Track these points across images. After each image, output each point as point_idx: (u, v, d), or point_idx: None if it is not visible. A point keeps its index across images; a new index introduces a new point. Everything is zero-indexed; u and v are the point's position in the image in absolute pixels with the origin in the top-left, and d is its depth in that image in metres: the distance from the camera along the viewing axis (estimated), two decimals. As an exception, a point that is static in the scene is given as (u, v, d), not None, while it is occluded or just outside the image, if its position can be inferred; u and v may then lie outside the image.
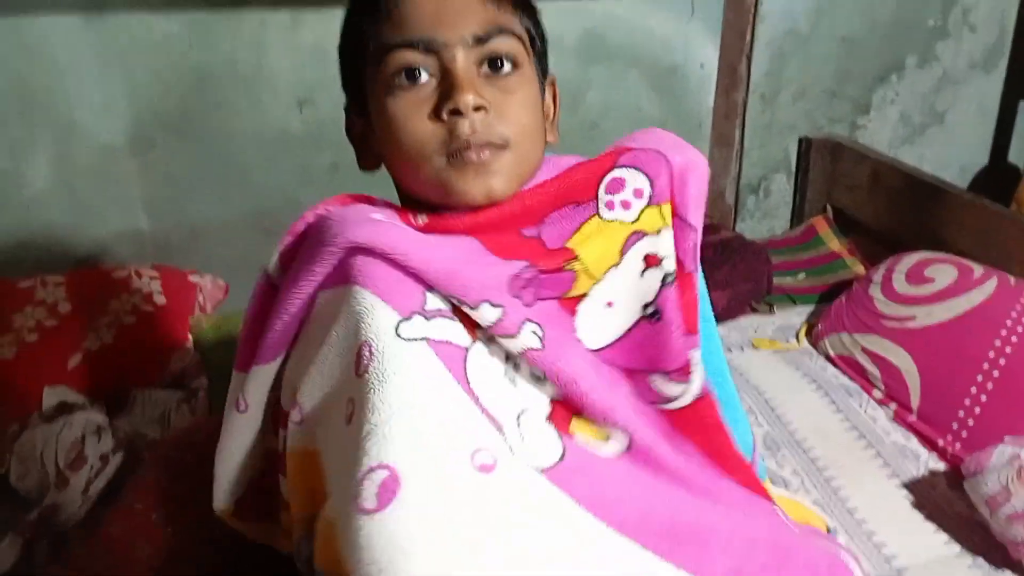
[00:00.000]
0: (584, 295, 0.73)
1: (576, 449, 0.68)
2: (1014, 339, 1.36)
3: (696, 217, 0.76)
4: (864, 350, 1.49)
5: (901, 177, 1.89)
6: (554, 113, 0.82)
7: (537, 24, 0.78)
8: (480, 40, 0.70)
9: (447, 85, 0.69)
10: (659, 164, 0.75)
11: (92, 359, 1.42)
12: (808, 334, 1.65)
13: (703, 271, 0.80)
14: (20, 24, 1.53)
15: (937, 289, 1.50)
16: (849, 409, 1.41)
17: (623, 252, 0.73)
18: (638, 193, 0.74)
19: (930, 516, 1.20)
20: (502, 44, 0.71)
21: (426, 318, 0.66)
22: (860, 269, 1.90)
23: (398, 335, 0.65)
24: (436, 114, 0.69)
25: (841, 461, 1.29)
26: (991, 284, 1.47)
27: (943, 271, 1.53)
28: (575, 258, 0.72)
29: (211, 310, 1.62)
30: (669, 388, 0.73)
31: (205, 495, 1.10)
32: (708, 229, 1.80)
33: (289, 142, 1.76)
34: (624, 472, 0.69)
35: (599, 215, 0.74)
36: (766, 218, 2.22)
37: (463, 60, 0.69)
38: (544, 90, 0.79)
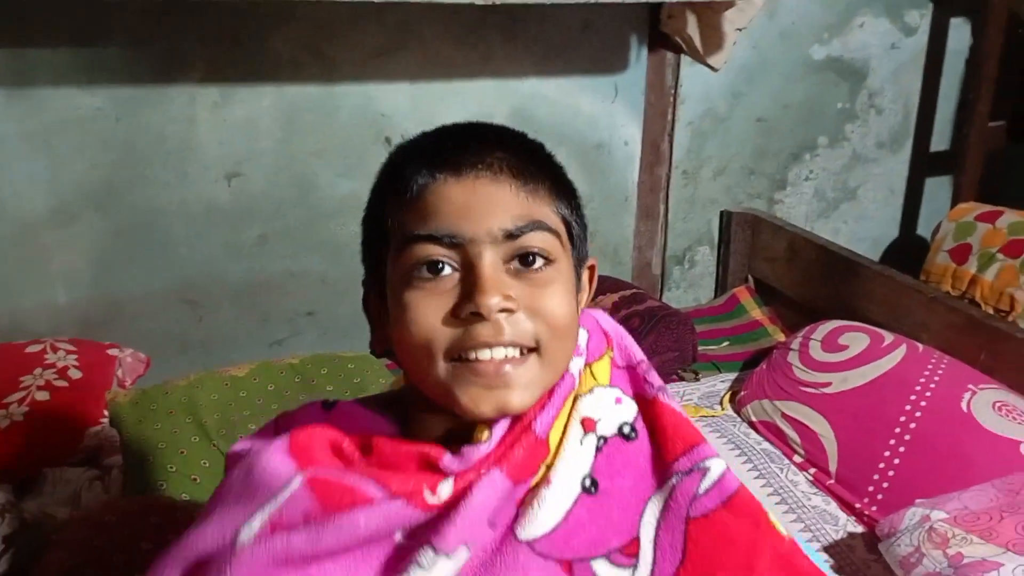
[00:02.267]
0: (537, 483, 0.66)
1: None
2: (923, 403, 1.41)
3: (636, 351, 0.73)
4: (784, 416, 1.53)
5: (816, 249, 1.97)
6: (588, 295, 0.74)
7: (575, 208, 0.70)
8: (511, 236, 0.63)
9: (470, 283, 0.62)
10: (589, 320, 0.74)
11: (1, 437, 1.37)
12: (732, 400, 1.68)
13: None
14: (-59, 97, 1.52)
15: (850, 356, 1.55)
16: (771, 474, 1.44)
17: (567, 423, 0.67)
18: (579, 353, 0.70)
19: (845, 580, 1.22)
20: (535, 240, 0.64)
21: None
22: (781, 336, 1.96)
23: None
24: (454, 314, 0.62)
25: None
26: (901, 351, 1.53)
27: (856, 339, 1.59)
28: (547, 455, 0.66)
29: (131, 384, 1.58)
30: (615, 575, 0.64)
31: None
32: (635, 298, 1.85)
33: (216, 215, 1.76)
34: None
35: (576, 390, 0.69)
36: (691, 288, 2.28)
37: (490, 256, 0.62)
38: (580, 277, 0.71)
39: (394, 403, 0.73)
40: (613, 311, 1.81)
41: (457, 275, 0.63)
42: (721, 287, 2.24)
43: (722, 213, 2.22)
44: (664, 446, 0.67)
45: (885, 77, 2.29)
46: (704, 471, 0.65)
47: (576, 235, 0.70)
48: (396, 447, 0.65)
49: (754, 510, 0.65)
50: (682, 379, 1.79)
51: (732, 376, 1.79)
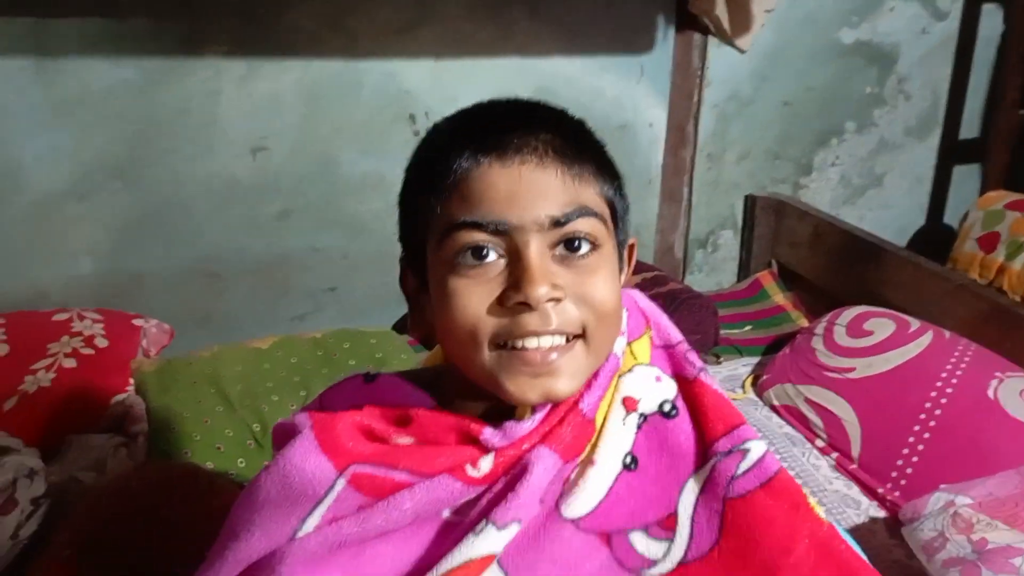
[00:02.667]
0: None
1: None
2: (949, 390, 1.40)
3: (673, 331, 0.73)
4: (807, 400, 1.52)
5: (841, 235, 1.95)
6: (627, 273, 0.74)
7: (619, 188, 0.69)
8: (557, 223, 0.62)
9: (518, 272, 0.61)
10: (627, 300, 0.73)
11: (29, 402, 1.38)
12: (754, 384, 1.68)
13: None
14: (-33, 68, 1.53)
15: (876, 341, 1.54)
16: (792, 458, 1.43)
17: (611, 402, 0.68)
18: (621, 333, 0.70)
19: (871, 564, 1.20)
20: (582, 225, 0.63)
21: None
22: (803, 322, 1.94)
23: None
24: (500, 302, 0.61)
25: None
26: (926, 338, 1.51)
27: (882, 324, 1.58)
28: (594, 435, 0.66)
29: (155, 354, 1.59)
30: (650, 548, 0.64)
31: (137, 543, 1.07)
32: (657, 281, 1.84)
33: (239, 190, 1.77)
34: None
35: (619, 367, 0.69)
36: (714, 272, 2.27)
37: (536, 244, 0.61)
38: (623, 258, 0.70)
39: (434, 381, 0.72)
40: (635, 293, 1.80)
41: (503, 262, 0.62)
42: (744, 272, 2.22)
43: (746, 197, 2.20)
44: (705, 426, 0.67)
45: (914, 62, 2.26)
46: (744, 452, 0.65)
47: (620, 215, 0.69)
48: (436, 419, 0.66)
49: (793, 493, 0.64)
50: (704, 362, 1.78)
51: (754, 360, 1.78)
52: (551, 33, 1.90)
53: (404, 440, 0.66)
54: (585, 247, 0.63)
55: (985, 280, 1.96)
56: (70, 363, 1.44)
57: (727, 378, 1.71)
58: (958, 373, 1.42)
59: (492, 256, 0.62)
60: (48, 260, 1.68)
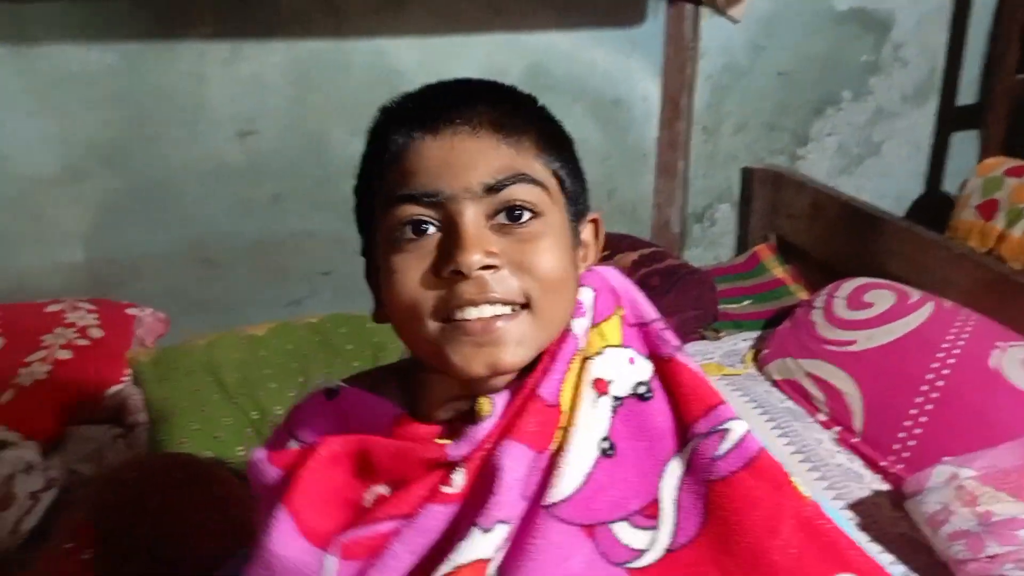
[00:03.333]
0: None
1: None
2: (951, 361, 1.39)
3: (648, 308, 0.71)
4: (808, 374, 1.52)
5: (840, 206, 1.93)
6: (594, 251, 0.73)
7: (569, 161, 0.69)
8: (491, 189, 0.61)
9: (450, 242, 0.61)
10: (597, 279, 0.72)
11: (25, 395, 1.37)
12: (754, 359, 1.67)
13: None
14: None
15: (876, 313, 1.53)
16: (794, 432, 1.43)
17: (578, 385, 0.66)
18: (582, 313, 0.69)
19: (875, 537, 1.21)
20: (518, 192, 0.62)
21: None
22: (803, 295, 1.93)
23: None
24: (436, 273, 0.61)
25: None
26: (927, 308, 1.51)
27: (882, 296, 1.57)
28: (559, 422, 0.64)
29: (151, 343, 1.58)
30: (635, 538, 0.62)
31: (137, 534, 1.07)
32: (655, 257, 1.83)
33: (228, 173, 1.74)
34: None
35: (583, 351, 0.67)
36: (712, 246, 2.25)
37: (471, 213, 0.61)
38: (578, 232, 0.70)
39: (401, 373, 0.72)
40: (632, 270, 1.79)
41: (440, 235, 0.62)
42: (742, 245, 2.21)
43: (743, 170, 2.18)
44: (682, 407, 0.65)
45: (910, 29, 2.23)
46: (724, 432, 0.63)
47: (570, 189, 0.68)
48: (397, 458, 0.64)
49: (776, 473, 0.63)
50: (703, 338, 1.77)
51: (754, 335, 1.77)
52: (542, 8, 1.86)
53: (379, 491, 0.65)
54: (526, 215, 0.63)
55: (984, 248, 1.94)
56: (65, 354, 1.43)
57: (727, 353, 1.71)
58: (959, 344, 1.42)
59: (431, 230, 0.62)
60: (37, 248, 1.67)
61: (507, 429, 0.62)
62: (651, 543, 0.62)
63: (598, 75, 1.97)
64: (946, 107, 2.34)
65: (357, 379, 0.73)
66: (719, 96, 2.11)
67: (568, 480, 0.62)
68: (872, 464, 1.36)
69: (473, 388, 0.64)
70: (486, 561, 0.60)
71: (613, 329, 0.69)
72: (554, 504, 0.62)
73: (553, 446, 0.64)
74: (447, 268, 0.60)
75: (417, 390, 0.69)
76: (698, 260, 2.15)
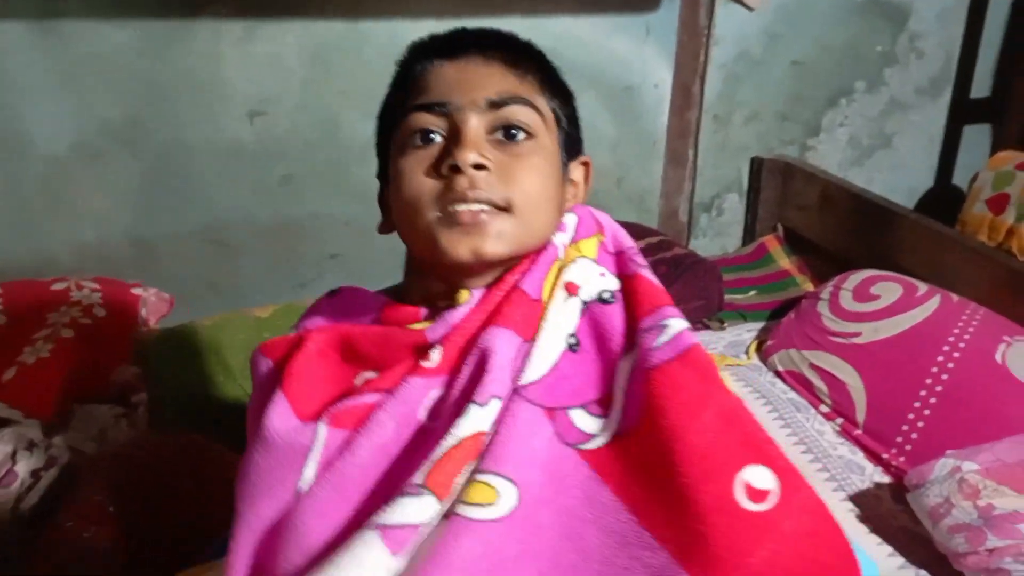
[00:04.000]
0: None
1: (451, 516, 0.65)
2: (956, 355, 1.38)
3: (627, 239, 0.79)
4: (812, 366, 1.51)
5: (850, 198, 1.92)
6: (583, 191, 0.82)
7: (567, 107, 0.78)
8: (494, 105, 0.71)
9: (452, 142, 0.70)
10: (583, 210, 0.80)
11: (28, 373, 1.38)
12: (758, 350, 1.66)
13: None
14: (-35, 32, 1.50)
15: (882, 306, 1.52)
16: (796, 424, 1.42)
17: (554, 287, 0.74)
18: (563, 230, 0.78)
19: (875, 529, 1.21)
20: (518, 112, 0.71)
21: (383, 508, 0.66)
22: (809, 287, 1.92)
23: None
24: (437, 170, 0.69)
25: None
26: (934, 302, 1.49)
27: (888, 288, 1.56)
28: (544, 313, 0.72)
29: (155, 323, 1.58)
30: (587, 423, 0.69)
31: (141, 513, 1.08)
32: (661, 246, 1.82)
33: (242, 154, 1.74)
34: (500, 538, 0.64)
35: (559, 257, 0.75)
36: (719, 236, 2.24)
37: (474, 122, 0.70)
38: (567, 168, 0.78)
39: (396, 289, 0.82)
40: (639, 258, 1.78)
41: (445, 142, 0.71)
42: (750, 236, 2.20)
43: (753, 160, 2.17)
44: (635, 310, 0.72)
45: (929, 20, 2.20)
46: (663, 328, 0.69)
47: (565, 127, 0.77)
48: (379, 344, 0.72)
49: (705, 364, 0.68)
50: (708, 327, 1.77)
51: (759, 325, 1.77)
52: (558, -9, 1.85)
53: (367, 375, 0.73)
54: (521, 135, 0.71)
55: (994, 242, 1.93)
56: (68, 333, 1.43)
57: (731, 343, 1.70)
58: (966, 337, 1.41)
59: (437, 139, 0.71)
60: (54, 226, 1.67)
61: (492, 317, 0.70)
62: (601, 429, 0.69)
63: (612, 61, 1.96)
64: (959, 100, 2.32)
65: (355, 287, 0.82)
66: (732, 85, 2.09)
67: (538, 365, 0.70)
68: (874, 456, 1.35)
69: (456, 281, 0.73)
70: (483, 433, 0.66)
71: (590, 246, 0.77)
72: (524, 385, 0.69)
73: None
74: (446, 163, 0.69)
75: (406, 288, 0.79)
76: (705, 250, 2.14)
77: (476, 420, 0.66)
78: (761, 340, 1.69)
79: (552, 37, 1.87)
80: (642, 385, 0.68)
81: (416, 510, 0.63)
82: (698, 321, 1.76)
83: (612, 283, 0.74)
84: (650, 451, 0.66)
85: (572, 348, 0.71)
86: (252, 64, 1.69)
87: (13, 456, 1.14)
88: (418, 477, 0.65)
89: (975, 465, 1.14)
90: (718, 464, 0.64)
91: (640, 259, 0.76)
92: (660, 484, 0.65)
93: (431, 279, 0.74)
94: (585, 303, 0.73)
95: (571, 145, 0.78)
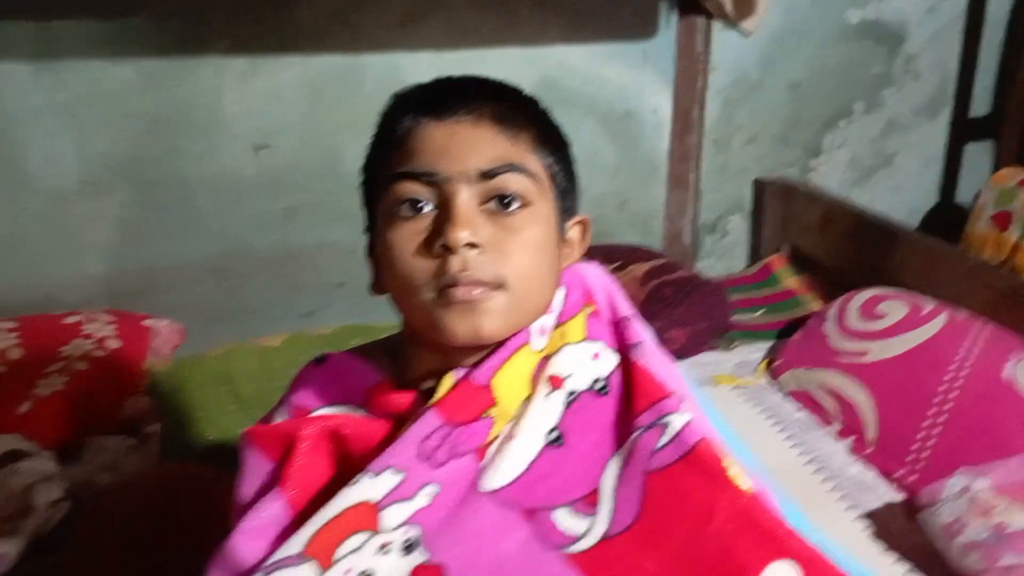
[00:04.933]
0: (496, 436, 0.69)
1: None
2: (964, 372, 1.39)
3: (622, 305, 0.76)
4: (821, 385, 1.51)
5: (852, 217, 1.93)
6: (579, 250, 0.78)
7: (562, 160, 0.74)
8: (486, 175, 0.67)
9: (443, 219, 0.66)
10: (572, 276, 0.76)
11: (42, 406, 1.39)
12: (767, 369, 1.66)
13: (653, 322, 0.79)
14: (-32, 72, 1.53)
15: (889, 324, 1.53)
16: (807, 443, 1.42)
17: (534, 382, 0.71)
18: (551, 316, 0.74)
19: (890, 548, 1.20)
20: (510, 181, 0.67)
21: (266, 574, 0.64)
22: (815, 305, 1.92)
23: None
24: (428, 248, 0.66)
25: (800, 495, 1.29)
26: (941, 319, 1.50)
27: (895, 307, 1.57)
28: (493, 404, 0.69)
29: (167, 354, 1.59)
30: (573, 524, 0.66)
31: (152, 543, 1.08)
32: (667, 268, 1.83)
33: (244, 187, 1.76)
34: None
35: (529, 344, 0.71)
36: (723, 258, 2.26)
37: (465, 195, 0.66)
38: (565, 228, 0.75)
39: (391, 346, 0.77)
40: (645, 280, 1.79)
41: (435, 212, 0.67)
42: (754, 257, 2.21)
43: (755, 182, 2.18)
44: (631, 402, 0.69)
45: (923, 42, 2.23)
46: (664, 426, 0.67)
47: (561, 185, 0.73)
48: (368, 437, 0.70)
49: (711, 465, 0.66)
50: (716, 348, 1.77)
51: (767, 345, 1.77)
52: (555, 21, 1.88)
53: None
54: (515, 204, 0.68)
55: (999, 259, 1.94)
56: (82, 365, 1.45)
57: (740, 364, 1.70)
58: (973, 354, 1.41)
59: (427, 208, 0.67)
60: (59, 261, 1.68)
61: (437, 402, 0.68)
62: (588, 530, 0.66)
63: (610, 88, 1.98)
64: (959, 119, 2.34)
65: (350, 350, 0.79)
66: (730, 109, 2.11)
67: (509, 467, 0.67)
68: (886, 475, 1.35)
69: (452, 356, 0.70)
70: (373, 504, 0.64)
71: (576, 327, 0.74)
72: (494, 490, 0.67)
73: (494, 432, 0.69)
74: (438, 243, 0.65)
75: (403, 361, 0.75)
76: (710, 271, 2.15)
77: (364, 489, 0.64)
78: (770, 359, 1.69)
79: (550, 66, 1.90)
80: (640, 488, 0.65)
81: None
82: (705, 342, 1.76)
83: (607, 366, 0.72)
84: (654, 556, 0.63)
85: (554, 443, 0.68)
86: (253, 98, 1.72)
87: (30, 489, 1.14)
88: (297, 545, 0.63)
89: (987, 483, 1.14)
90: (736, 569, 0.62)
91: (633, 334, 0.73)
92: None
93: (428, 353, 0.71)
94: (575, 393, 0.70)
95: (566, 204, 0.75)
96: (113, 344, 1.50)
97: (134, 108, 1.64)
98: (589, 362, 0.72)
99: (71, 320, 1.52)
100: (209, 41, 1.65)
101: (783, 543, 0.63)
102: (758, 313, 1.95)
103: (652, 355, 0.72)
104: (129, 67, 1.61)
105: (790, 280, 2.05)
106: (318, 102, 1.77)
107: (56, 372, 1.43)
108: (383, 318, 1.72)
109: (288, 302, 1.89)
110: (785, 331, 1.81)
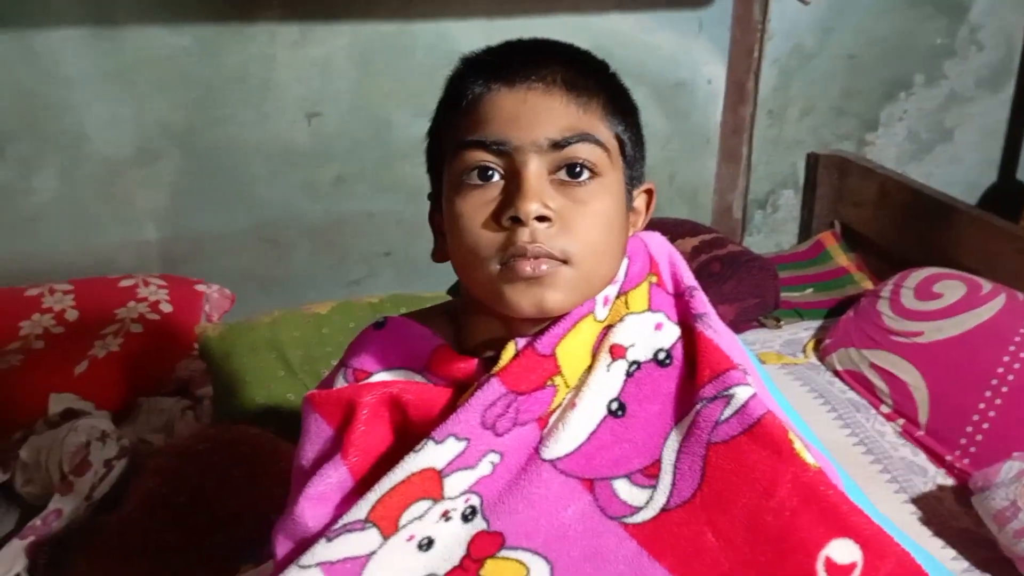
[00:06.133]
0: (559, 404, 0.69)
1: None
2: (1022, 355, 1.35)
3: (686, 276, 0.74)
4: (872, 365, 1.49)
5: (909, 193, 1.88)
6: (644, 219, 0.76)
7: (632, 127, 0.72)
8: (557, 145, 0.65)
9: (513, 190, 0.64)
10: (636, 245, 0.75)
11: (98, 366, 1.43)
12: (815, 349, 1.64)
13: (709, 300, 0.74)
14: (28, 38, 1.55)
15: (945, 305, 1.49)
16: (856, 424, 1.40)
17: (595, 352, 0.70)
18: (614, 286, 0.72)
19: (938, 532, 1.18)
20: (581, 151, 0.65)
21: (328, 539, 0.65)
22: (867, 284, 1.89)
23: (297, 564, 0.66)
24: (497, 219, 0.65)
25: (848, 476, 1.28)
26: (999, 300, 1.46)
27: (951, 287, 1.53)
28: (558, 372, 0.68)
29: (217, 319, 1.62)
30: (633, 495, 0.66)
31: (203, 503, 1.10)
32: (716, 243, 1.81)
33: (295, 155, 1.78)
34: None
35: (594, 314, 0.70)
36: (773, 233, 2.22)
37: (535, 165, 0.65)
38: (632, 197, 0.73)
39: (451, 312, 0.77)
40: (693, 255, 1.77)
41: (504, 182, 0.66)
42: (805, 232, 2.17)
43: (808, 155, 2.13)
44: (696, 374, 0.68)
45: (987, 10, 2.15)
46: (729, 398, 0.66)
47: (630, 154, 0.71)
48: (430, 404, 0.70)
49: (777, 438, 0.64)
50: (763, 326, 1.75)
51: (815, 324, 1.74)
52: (608, -12, 1.85)
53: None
54: (585, 174, 0.66)
55: (1061, 239, 1.87)
56: (137, 328, 1.48)
57: (788, 342, 1.68)
58: (1032, 337, 1.37)
59: (495, 177, 0.66)
60: (113, 225, 1.72)
61: (500, 369, 0.67)
62: (648, 501, 0.66)
63: (662, 57, 1.95)
64: (1023, 93, 2.25)
65: (408, 314, 0.78)
66: (786, 79, 2.06)
67: (570, 436, 0.67)
68: (937, 458, 1.33)
69: (514, 325, 0.69)
70: (437, 471, 0.65)
71: (639, 297, 0.72)
72: (555, 459, 0.67)
73: (557, 401, 0.68)
74: (507, 214, 0.64)
75: (463, 328, 0.75)
76: (759, 247, 2.12)
77: (428, 456, 0.65)
78: (818, 339, 1.66)
79: (601, 34, 1.87)
80: (702, 459, 0.65)
81: (359, 544, 0.64)
82: (753, 319, 1.74)
83: (669, 337, 0.71)
84: (714, 529, 0.63)
85: (615, 414, 0.68)
86: (304, 66, 1.72)
87: (87, 446, 1.18)
88: (362, 511, 0.64)
89: (1043, 468, 1.12)
90: (797, 544, 0.62)
91: (697, 304, 0.72)
92: (730, 564, 0.63)
93: (490, 320, 0.70)
94: (637, 363, 0.70)
95: (634, 172, 0.73)
96: (166, 308, 1.53)
97: (189, 75, 1.66)
98: (652, 332, 0.71)
99: (126, 284, 1.56)
100: (261, 8, 1.66)
101: (846, 520, 0.62)
102: (808, 291, 1.91)
103: (717, 326, 0.71)
104: (185, 33, 1.63)
105: (841, 258, 2.01)
106: (368, 70, 1.77)
107: (111, 334, 1.46)
108: (429, 287, 1.74)
109: (335, 270, 1.90)
110: (834, 310, 1.78)
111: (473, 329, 0.73)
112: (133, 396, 1.43)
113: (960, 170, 2.30)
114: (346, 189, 1.84)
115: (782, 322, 1.76)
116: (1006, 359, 1.35)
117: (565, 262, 0.64)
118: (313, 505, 0.68)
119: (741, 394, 0.66)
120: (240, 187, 1.77)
